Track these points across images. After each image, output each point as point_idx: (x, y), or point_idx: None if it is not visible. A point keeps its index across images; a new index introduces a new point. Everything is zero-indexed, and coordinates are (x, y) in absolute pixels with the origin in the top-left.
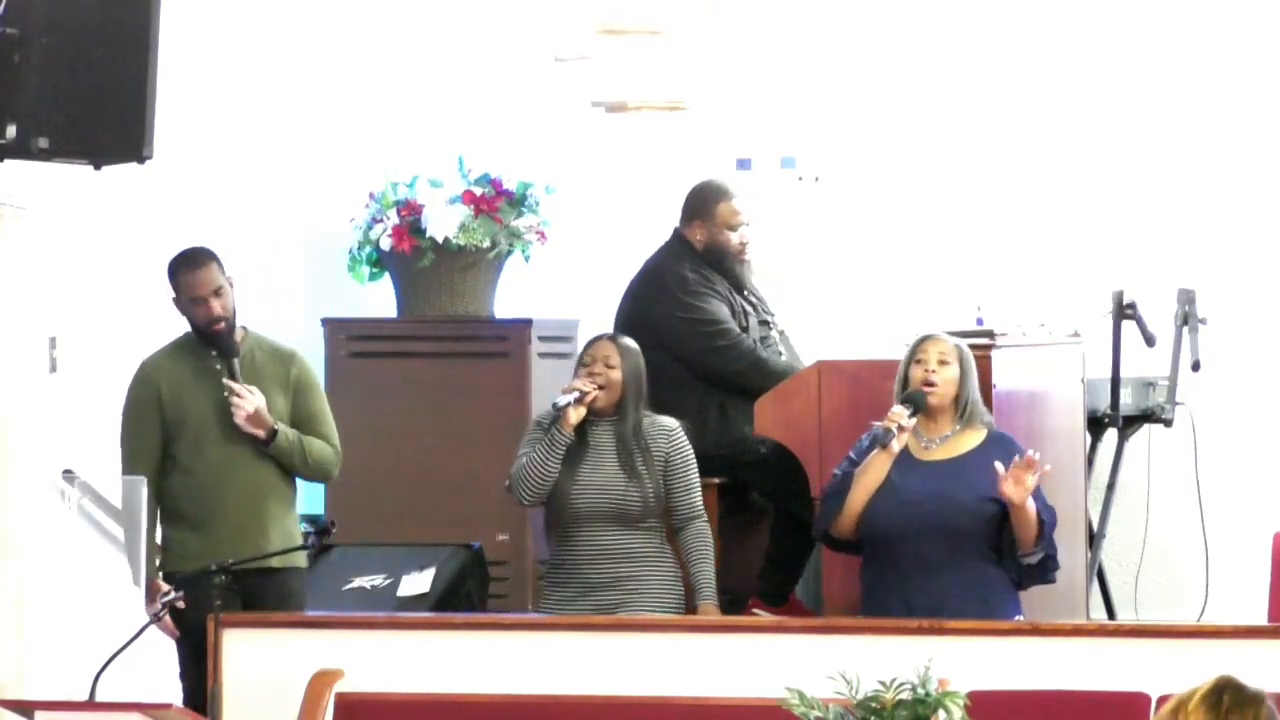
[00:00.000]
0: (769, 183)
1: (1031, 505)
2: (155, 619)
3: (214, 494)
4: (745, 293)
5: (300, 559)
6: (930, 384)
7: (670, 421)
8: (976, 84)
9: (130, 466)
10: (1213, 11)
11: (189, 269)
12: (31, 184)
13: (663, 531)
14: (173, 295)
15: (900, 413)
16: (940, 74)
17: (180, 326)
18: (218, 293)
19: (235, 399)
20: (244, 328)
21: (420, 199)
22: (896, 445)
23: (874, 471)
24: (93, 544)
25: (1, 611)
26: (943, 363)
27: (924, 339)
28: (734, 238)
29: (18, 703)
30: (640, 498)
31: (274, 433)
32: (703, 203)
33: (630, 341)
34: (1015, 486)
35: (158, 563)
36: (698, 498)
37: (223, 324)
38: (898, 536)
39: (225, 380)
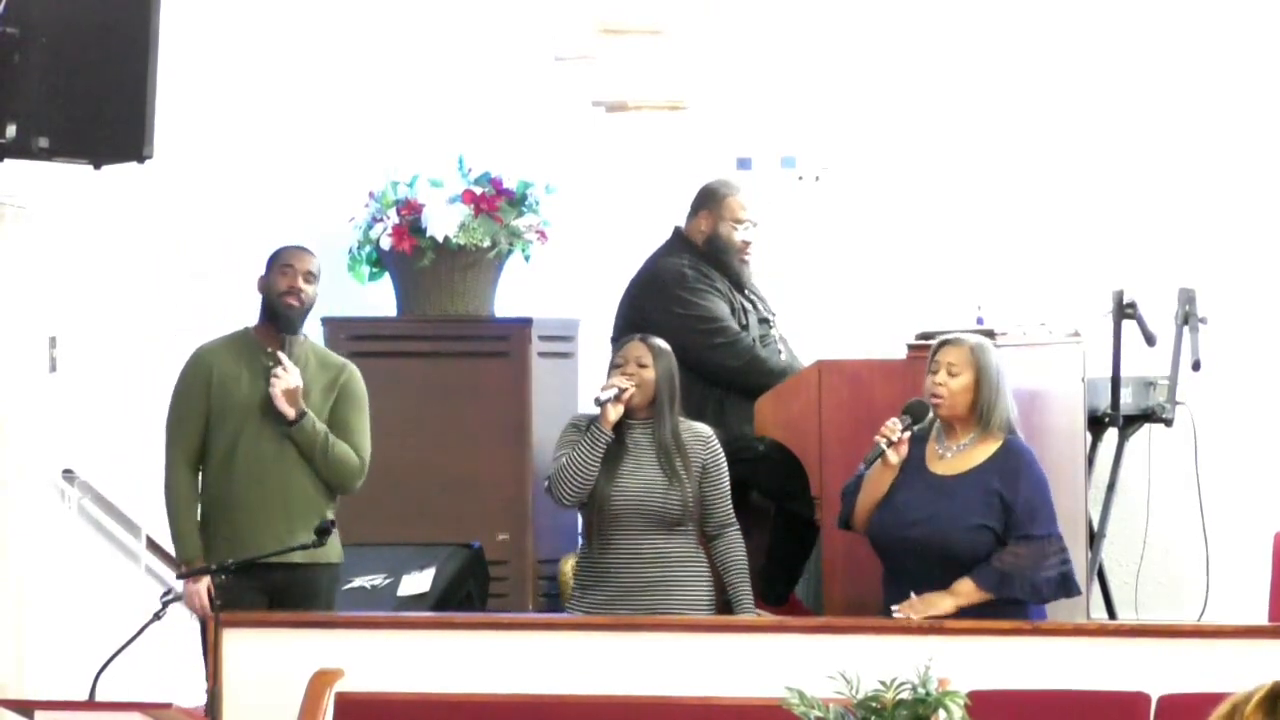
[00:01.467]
0: (769, 183)
1: (968, 591)
2: (155, 618)
3: (246, 489)
4: (745, 291)
5: (332, 555)
6: (936, 396)
7: (705, 429)
8: (977, 84)
9: (174, 449)
10: (1213, 11)
11: (297, 248)
12: (31, 184)
13: (696, 535)
14: (261, 276)
15: (893, 426)
16: (940, 74)
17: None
18: (308, 277)
19: (279, 370)
20: (305, 335)
21: (420, 198)
22: (894, 458)
23: (874, 483)
24: (93, 544)
25: (1, 611)
26: (952, 373)
27: (939, 346)
28: (738, 233)
29: (18, 703)
30: (680, 500)
31: (303, 414)
32: (713, 194)
33: (661, 343)
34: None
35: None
36: (730, 506)
37: (298, 301)
38: (895, 551)
39: (277, 352)
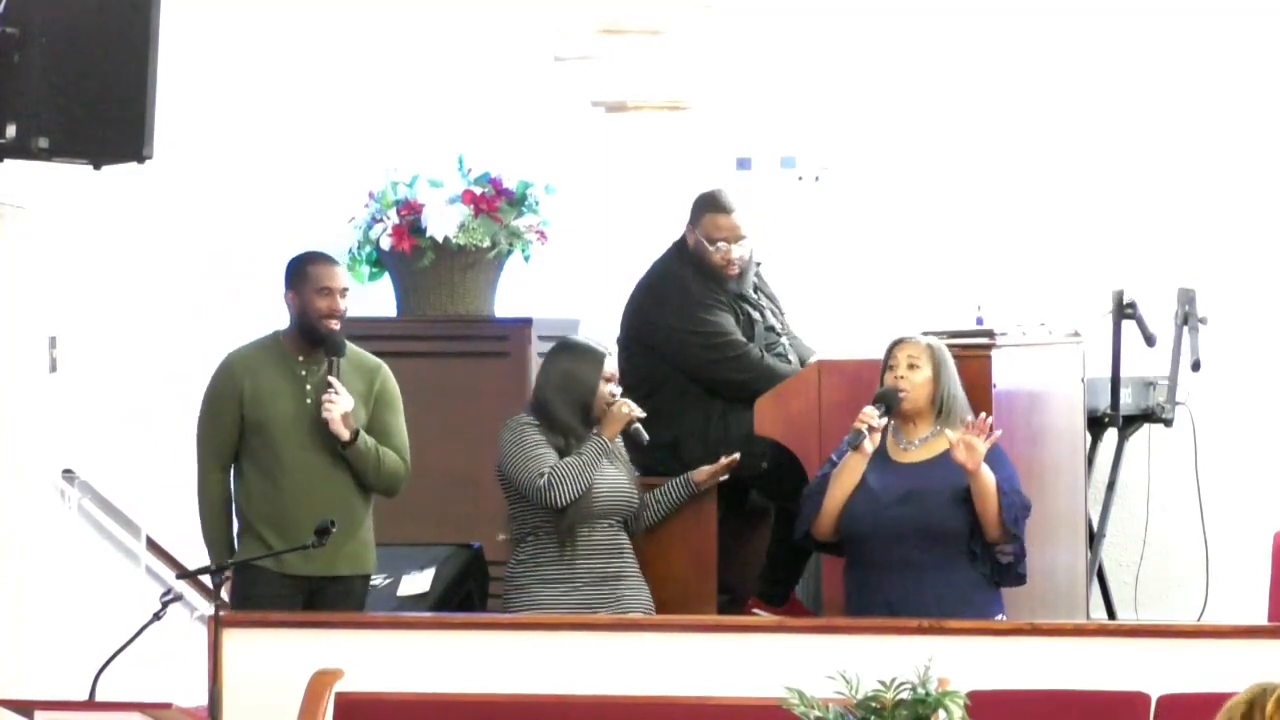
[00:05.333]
0: (769, 183)
1: (989, 477)
2: (155, 618)
3: (289, 501)
4: (750, 301)
5: (369, 563)
6: (900, 389)
7: None
8: (977, 84)
9: (206, 455)
10: (1212, 12)
11: (325, 262)
12: (31, 184)
13: None
14: (287, 289)
15: (870, 413)
16: (940, 74)
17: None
18: (344, 294)
19: (331, 394)
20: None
21: (420, 199)
22: (869, 445)
23: (848, 473)
24: (93, 544)
25: (1, 611)
26: (912, 366)
27: (894, 343)
28: (716, 253)
29: (18, 702)
30: (639, 498)
31: (356, 434)
32: (697, 210)
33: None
34: (967, 452)
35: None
36: None
37: (338, 322)
38: (874, 537)
39: (328, 377)
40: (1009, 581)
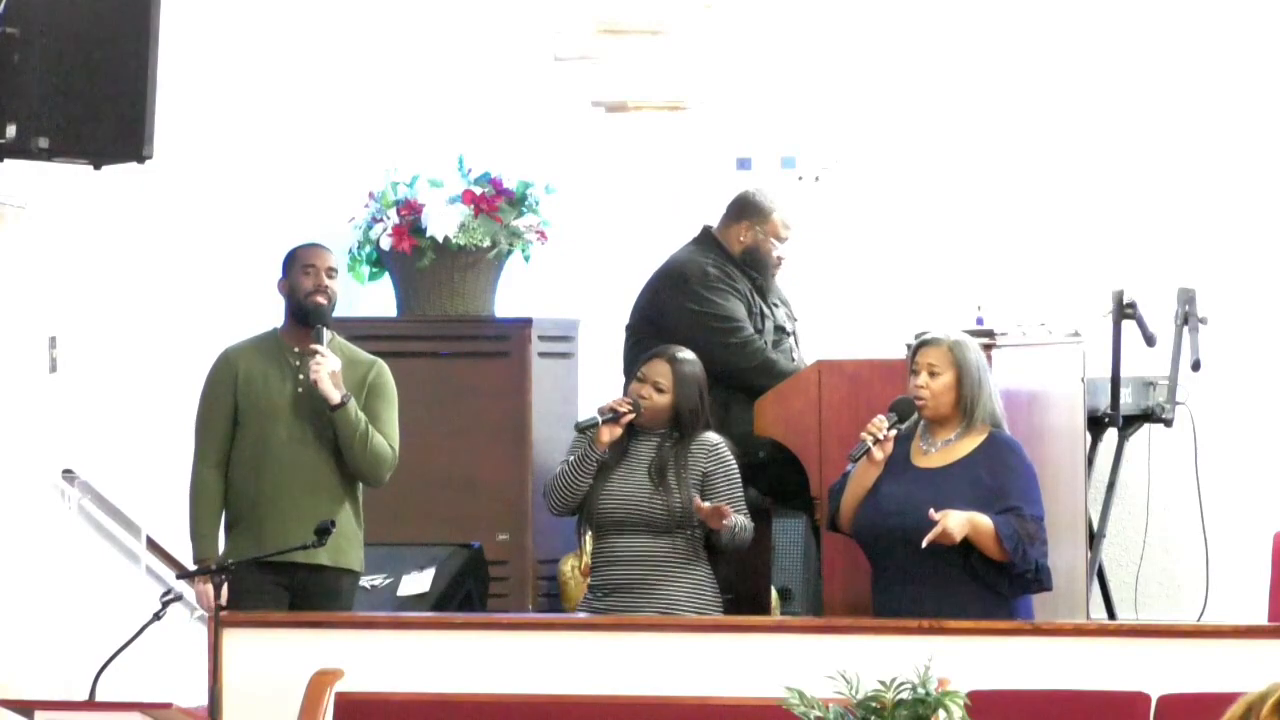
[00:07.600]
0: (769, 183)
1: (980, 528)
2: (155, 618)
3: (277, 491)
4: (767, 299)
5: (354, 562)
6: (919, 398)
7: (713, 437)
8: (977, 84)
9: (201, 449)
10: (1213, 11)
11: (314, 246)
12: (31, 184)
13: (697, 539)
14: (281, 277)
15: (879, 424)
16: (941, 73)
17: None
18: (330, 274)
19: (318, 356)
20: (333, 333)
21: (420, 199)
22: (879, 454)
23: (860, 479)
24: (93, 544)
25: (1, 611)
26: (933, 374)
27: (918, 346)
28: (776, 250)
29: (18, 702)
30: (665, 508)
31: (347, 398)
32: (759, 209)
33: (688, 357)
34: (946, 541)
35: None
36: (742, 509)
37: (325, 298)
38: (876, 544)
39: (312, 345)
40: (1032, 590)
